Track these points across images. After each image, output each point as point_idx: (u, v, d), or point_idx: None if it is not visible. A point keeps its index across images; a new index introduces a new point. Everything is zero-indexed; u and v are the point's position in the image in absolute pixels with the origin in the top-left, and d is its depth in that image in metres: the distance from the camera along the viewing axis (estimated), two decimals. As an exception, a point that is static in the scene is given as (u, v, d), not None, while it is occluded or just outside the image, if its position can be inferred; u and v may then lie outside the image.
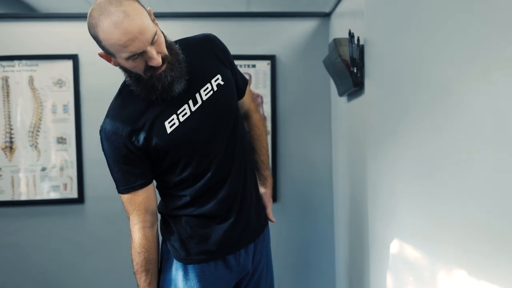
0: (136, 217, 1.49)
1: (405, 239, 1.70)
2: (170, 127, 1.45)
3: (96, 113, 2.44)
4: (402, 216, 1.66)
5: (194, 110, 1.49)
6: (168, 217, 1.57)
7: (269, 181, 1.86)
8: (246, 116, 1.82)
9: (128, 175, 1.47)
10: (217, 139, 1.52)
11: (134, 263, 1.51)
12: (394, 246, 1.74)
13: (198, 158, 1.49)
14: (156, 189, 1.57)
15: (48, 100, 2.51)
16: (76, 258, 2.54)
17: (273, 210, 2.59)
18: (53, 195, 2.51)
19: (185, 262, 1.53)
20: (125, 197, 1.49)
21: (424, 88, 1.35)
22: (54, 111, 2.50)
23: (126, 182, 1.47)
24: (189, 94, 1.49)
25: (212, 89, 1.54)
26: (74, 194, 2.51)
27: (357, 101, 2.05)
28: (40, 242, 2.52)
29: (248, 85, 1.79)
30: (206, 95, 1.52)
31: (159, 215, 1.58)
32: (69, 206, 2.52)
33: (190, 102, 1.49)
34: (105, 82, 2.41)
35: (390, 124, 1.63)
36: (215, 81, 1.55)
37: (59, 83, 2.50)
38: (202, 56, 1.56)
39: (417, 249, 1.67)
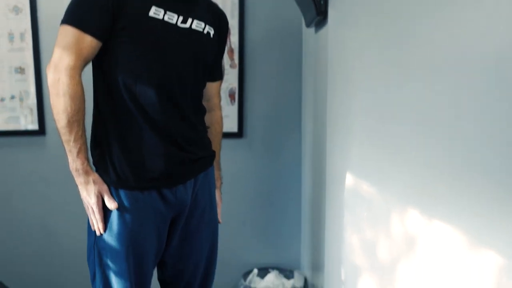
0: (74, 60, 1.37)
1: (361, 176, 1.67)
2: (153, 13, 1.45)
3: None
4: (359, 152, 1.64)
5: (180, 27, 1.50)
6: (109, 124, 1.49)
7: (220, 182, 1.85)
8: (210, 109, 1.79)
9: (93, 13, 1.39)
10: (183, 70, 1.52)
11: (66, 114, 1.38)
12: (350, 182, 1.71)
13: (158, 67, 1.47)
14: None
15: (4, 28, 2.38)
16: (40, 190, 2.51)
17: (239, 146, 2.57)
18: (13, 127, 2.44)
19: (116, 186, 1.48)
20: (72, 32, 1.38)
21: (388, 20, 1.28)
22: (11, 40, 2.39)
23: (87, 18, 1.39)
24: (184, 11, 1.51)
25: (203, 30, 1.57)
26: (35, 126, 2.45)
27: (322, 32, 1.97)
28: (2, 174, 2.48)
29: (221, 82, 1.82)
30: (196, 27, 1.54)
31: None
32: (30, 138, 2.46)
33: (181, 17, 1.50)
34: (65, 8, 2.29)
35: (351, 58, 1.57)
36: (208, 29, 1.59)
37: (15, 10, 2.37)
38: (210, 12, 1.64)
39: (373, 186, 1.65)
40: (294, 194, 2.58)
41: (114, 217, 1.48)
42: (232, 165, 2.53)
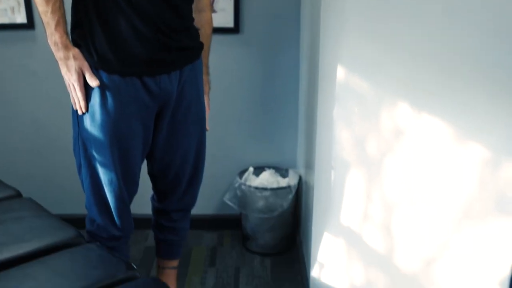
0: None
1: (353, 70, 1.61)
2: None
3: None
4: (351, 44, 1.56)
5: None
6: (90, 4, 1.41)
7: (208, 87, 1.79)
8: (200, 9, 1.69)
9: None
10: None
11: None
12: (342, 76, 1.65)
13: None
14: None
15: None
16: (30, 85, 2.46)
17: (236, 42, 2.47)
18: (1, 20, 2.35)
19: (97, 67, 1.43)
20: None
21: None
22: None
23: None
24: None
25: None
26: (23, 19, 2.36)
27: None
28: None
29: None
30: None
31: None
32: (18, 32, 2.38)
33: None
34: None
35: None
36: None
37: None
38: None
39: (365, 80, 1.58)
40: (291, 92, 2.52)
41: (97, 108, 1.44)
42: (227, 62, 2.47)
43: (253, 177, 2.50)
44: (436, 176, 1.43)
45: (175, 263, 1.96)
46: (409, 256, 1.58)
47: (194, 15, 1.64)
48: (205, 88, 1.77)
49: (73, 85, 1.42)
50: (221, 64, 2.45)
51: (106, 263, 1.27)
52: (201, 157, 1.74)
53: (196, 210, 2.67)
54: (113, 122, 1.45)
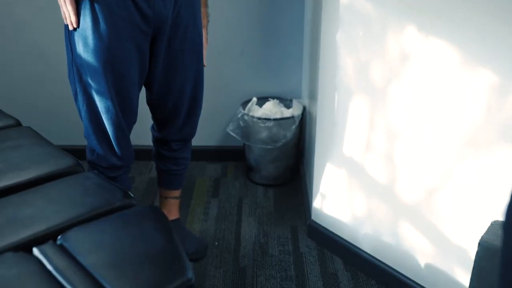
0: None
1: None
2: None
3: None
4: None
5: None
6: None
7: (206, 19, 1.70)
8: None
9: None
10: None
11: None
12: (346, -2, 1.57)
13: None
14: None
15: None
16: (32, 10, 2.39)
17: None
18: None
19: None
20: None
21: None
22: None
23: None
24: None
25: None
26: None
27: None
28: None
29: None
30: None
31: None
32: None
33: None
34: None
35: None
36: None
37: None
38: None
39: (370, 1, 1.51)
40: (296, 21, 2.43)
41: (89, 32, 1.39)
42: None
43: (256, 107, 2.46)
44: (441, 103, 1.39)
45: (176, 193, 1.96)
46: (411, 185, 1.57)
47: None
48: (203, 21, 1.70)
49: None
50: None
51: (103, 191, 1.26)
52: (199, 88, 1.70)
53: (199, 142, 2.67)
54: (106, 46, 1.40)
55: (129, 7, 1.39)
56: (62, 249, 1.05)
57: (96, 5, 1.36)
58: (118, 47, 1.42)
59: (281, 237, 2.06)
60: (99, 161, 1.61)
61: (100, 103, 1.48)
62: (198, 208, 2.28)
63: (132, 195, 1.27)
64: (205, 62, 1.72)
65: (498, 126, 1.25)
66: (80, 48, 1.42)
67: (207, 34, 1.74)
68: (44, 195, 1.25)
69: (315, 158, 1.92)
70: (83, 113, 1.53)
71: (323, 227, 1.96)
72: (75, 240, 1.07)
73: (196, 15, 1.57)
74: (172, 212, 2.00)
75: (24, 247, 1.05)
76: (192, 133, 1.81)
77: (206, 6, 1.72)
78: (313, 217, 2.02)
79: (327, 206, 1.93)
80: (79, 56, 1.43)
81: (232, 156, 2.69)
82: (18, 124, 1.75)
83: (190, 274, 0.98)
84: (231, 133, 2.41)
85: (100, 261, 1.00)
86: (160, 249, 1.04)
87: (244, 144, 2.49)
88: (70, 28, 1.41)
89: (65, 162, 1.44)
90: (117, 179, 1.68)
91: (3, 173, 1.36)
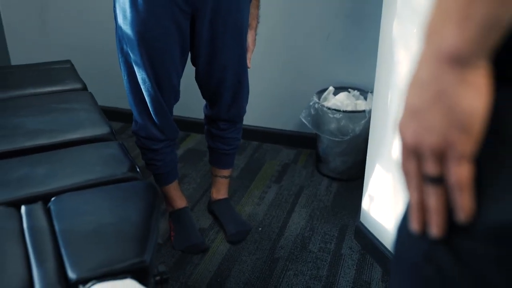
0: None
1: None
2: None
3: None
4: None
5: None
6: None
7: (256, 21, 1.68)
8: None
9: None
10: None
11: None
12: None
13: None
14: None
15: None
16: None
17: None
18: None
19: None
20: None
21: None
22: None
23: None
24: None
25: None
26: None
27: None
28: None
29: None
30: None
31: None
32: None
33: None
34: None
35: None
36: None
37: None
38: None
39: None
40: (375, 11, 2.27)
41: (127, 6, 1.43)
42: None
43: (331, 96, 2.36)
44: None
45: (226, 172, 1.97)
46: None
47: None
48: (253, 23, 1.68)
49: None
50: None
51: (113, 162, 1.30)
52: (242, 73, 1.67)
53: (276, 125, 2.66)
54: (142, 21, 1.43)
55: None
56: (47, 211, 1.11)
57: None
58: (154, 22, 1.44)
59: (327, 234, 1.98)
60: (139, 131, 1.67)
61: (138, 73, 1.54)
62: (256, 191, 2.27)
63: (138, 169, 1.29)
64: (249, 64, 1.69)
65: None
66: (120, 20, 1.47)
67: (256, 35, 1.71)
68: (62, 158, 1.33)
69: (367, 158, 1.81)
70: (125, 82, 1.60)
71: (369, 230, 1.85)
72: (62, 204, 1.12)
73: (240, 1, 1.53)
74: (221, 191, 2.01)
75: (17, 204, 1.13)
76: (239, 115, 1.80)
77: (258, 8, 1.69)
78: (361, 219, 1.91)
79: (374, 210, 1.81)
80: (120, 27, 1.49)
81: (307, 143, 2.62)
82: (83, 88, 1.87)
83: (146, 256, 0.98)
84: (303, 120, 2.35)
85: (70, 229, 1.04)
86: (130, 227, 1.05)
87: (316, 133, 2.42)
88: None
89: (100, 130, 1.52)
90: (159, 151, 1.73)
91: (40, 133, 1.46)
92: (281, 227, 2.02)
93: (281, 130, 2.64)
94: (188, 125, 2.72)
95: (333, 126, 2.23)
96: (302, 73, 2.50)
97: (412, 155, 0.47)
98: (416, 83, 0.46)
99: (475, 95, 0.42)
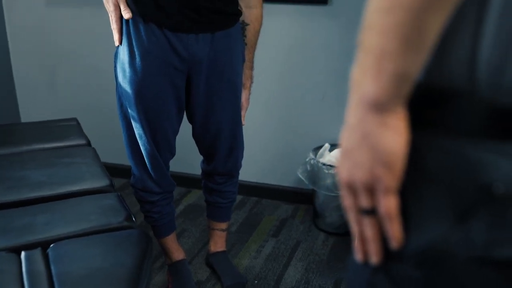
0: None
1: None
2: None
3: None
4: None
5: None
6: None
7: (250, 81, 1.80)
8: (251, 6, 1.69)
9: None
10: None
11: None
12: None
13: None
14: None
15: None
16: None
17: (324, 14, 2.41)
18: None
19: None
20: None
21: None
22: None
23: None
24: None
25: None
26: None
27: None
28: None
29: None
30: None
31: None
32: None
33: None
34: None
35: None
36: None
37: None
38: None
39: None
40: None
41: (127, 65, 1.55)
42: (314, 36, 2.42)
43: (327, 153, 2.44)
44: None
45: (223, 225, 2.03)
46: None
47: (244, 10, 1.67)
48: (247, 82, 1.79)
49: (111, 16, 1.53)
50: (308, 37, 2.42)
51: (110, 212, 1.38)
52: (237, 128, 1.76)
53: (274, 181, 2.73)
54: (140, 80, 1.54)
55: (164, 46, 1.52)
56: (46, 256, 1.17)
57: (134, 42, 1.52)
58: (150, 81, 1.55)
59: (322, 287, 2.00)
60: (137, 184, 1.75)
61: (135, 128, 1.64)
62: (253, 245, 2.31)
63: (134, 219, 1.36)
64: (243, 121, 1.80)
65: None
66: (120, 78, 1.59)
67: (249, 94, 1.82)
68: (62, 208, 1.40)
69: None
70: (123, 137, 1.70)
71: None
72: (60, 250, 1.19)
73: (233, 58, 1.64)
74: (218, 243, 2.06)
75: (18, 250, 1.20)
76: (235, 169, 1.87)
77: (251, 69, 1.81)
78: (355, 272, 1.93)
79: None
80: (119, 85, 1.60)
81: (304, 199, 2.69)
82: (87, 144, 1.97)
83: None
84: (300, 176, 2.42)
85: (66, 272, 1.10)
86: (123, 271, 1.11)
87: (313, 188, 2.48)
88: (116, 44, 1.57)
89: (100, 182, 1.60)
90: (156, 203, 1.80)
91: (43, 185, 1.55)
92: (277, 279, 2.05)
93: (279, 186, 2.72)
94: (190, 181, 2.80)
95: (329, 181, 2.30)
96: (298, 131, 2.60)
97: (348, 190, 0.55)
98: (347, 127, 0.54)
99: (394, 136, 0.50)
